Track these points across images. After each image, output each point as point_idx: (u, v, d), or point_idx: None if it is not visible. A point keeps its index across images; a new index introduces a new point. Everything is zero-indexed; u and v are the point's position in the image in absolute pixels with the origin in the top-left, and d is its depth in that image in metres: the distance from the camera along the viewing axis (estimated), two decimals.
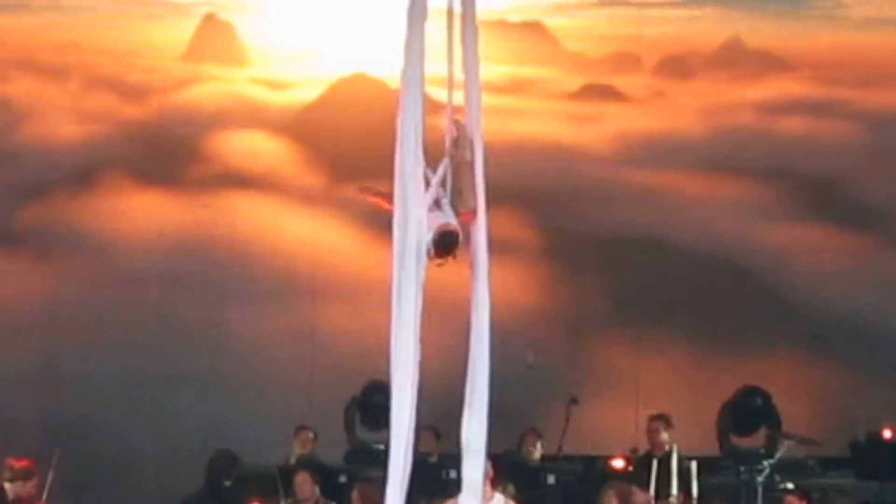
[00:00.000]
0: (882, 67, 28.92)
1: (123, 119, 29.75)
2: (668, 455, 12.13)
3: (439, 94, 7.46)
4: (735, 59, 31.16)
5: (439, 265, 7.05)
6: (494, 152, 7.39)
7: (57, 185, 27.26)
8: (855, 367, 21.48)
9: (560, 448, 13.34)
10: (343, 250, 23.61)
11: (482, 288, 7.15)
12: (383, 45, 27.57)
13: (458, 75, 7.33)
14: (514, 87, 30.71)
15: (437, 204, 7.14)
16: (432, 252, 6.96)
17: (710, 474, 12.76)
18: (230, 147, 28.91)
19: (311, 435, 13.66)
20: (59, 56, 31.16)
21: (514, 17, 31.87)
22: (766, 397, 14.16)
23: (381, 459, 7.42)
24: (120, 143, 28.90)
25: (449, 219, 7.08)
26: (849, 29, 31.22)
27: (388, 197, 7.13)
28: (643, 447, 12.79)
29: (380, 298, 7.15)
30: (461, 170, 7.24)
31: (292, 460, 13.34)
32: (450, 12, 7.30)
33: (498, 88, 29.22)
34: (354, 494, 11.23)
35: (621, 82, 31.04)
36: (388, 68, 24.46)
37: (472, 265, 7.21)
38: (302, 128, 29.16)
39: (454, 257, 7.09)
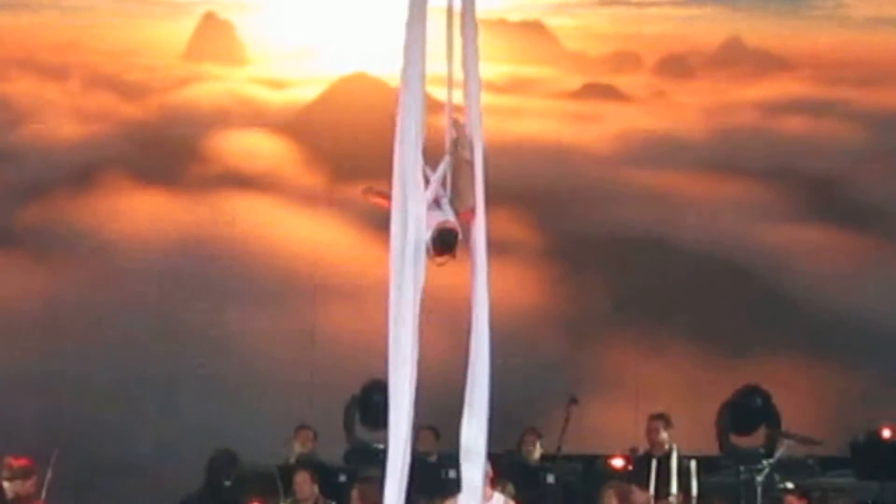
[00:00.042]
0: (882, 67, 28.85)
1: (123, 118, 29.68)
2: (668, 454, 12.15)
3: (439, 93, 7.46)
4: (735, 59, 31.08)
5: (440, 265, 7.04)
6: (494, 152, 7.38)
7: (57, 184, 27.18)
8: (855, 367, 21.46)
9: (559, 448, 13.35)
10: (343, 250, 23.57)
11: (482, 288, 7.14)
12: (383, 45, 27.51)
13: (458, 74, 7.32)
14: (513, 86, 30.61)
15: (436, 203, 7.13)
16: (431, 250, 6.95)
17: (709, 474, 12.78)
18: (230, 146, 28.84)
19: (310, 434, 13.68)
20: (59, 55, 31.09)
21: (514, 17, 31.78)
22: (766, 397, 14.18)
23: (380, 459, 7.40)
24: (120, 143, 28.82)
25: (448, 218, 7.07)
26: (849, 28, 31.14)
27: (391, 196, 7.13)
28: (643, 447, 12.81)
29: (379, 298, 7.14)
30: (461, 169, 7.23)
31: (292, 460, 13.36)
32: (449, 11, 7.30)
33: (498, 88, 29.14)
34: (354, 494, 11.23)
35: (621, 82, 30.97)
36: (388, 68, 24.42)
37: (471, 265, 7.20)
38: (302, 127, 29.08)
39: (454, 256, 7.08)
